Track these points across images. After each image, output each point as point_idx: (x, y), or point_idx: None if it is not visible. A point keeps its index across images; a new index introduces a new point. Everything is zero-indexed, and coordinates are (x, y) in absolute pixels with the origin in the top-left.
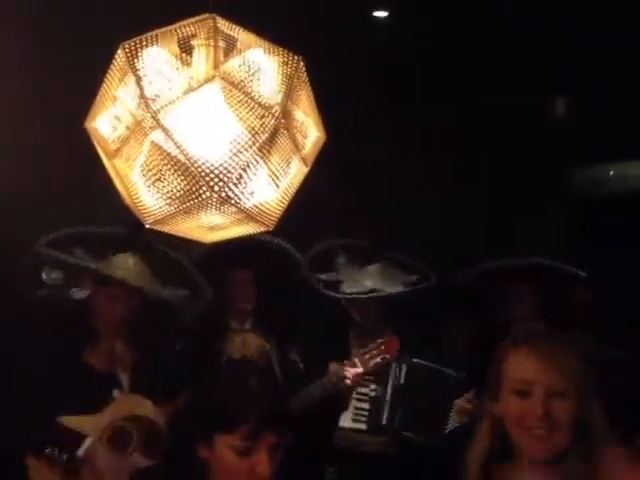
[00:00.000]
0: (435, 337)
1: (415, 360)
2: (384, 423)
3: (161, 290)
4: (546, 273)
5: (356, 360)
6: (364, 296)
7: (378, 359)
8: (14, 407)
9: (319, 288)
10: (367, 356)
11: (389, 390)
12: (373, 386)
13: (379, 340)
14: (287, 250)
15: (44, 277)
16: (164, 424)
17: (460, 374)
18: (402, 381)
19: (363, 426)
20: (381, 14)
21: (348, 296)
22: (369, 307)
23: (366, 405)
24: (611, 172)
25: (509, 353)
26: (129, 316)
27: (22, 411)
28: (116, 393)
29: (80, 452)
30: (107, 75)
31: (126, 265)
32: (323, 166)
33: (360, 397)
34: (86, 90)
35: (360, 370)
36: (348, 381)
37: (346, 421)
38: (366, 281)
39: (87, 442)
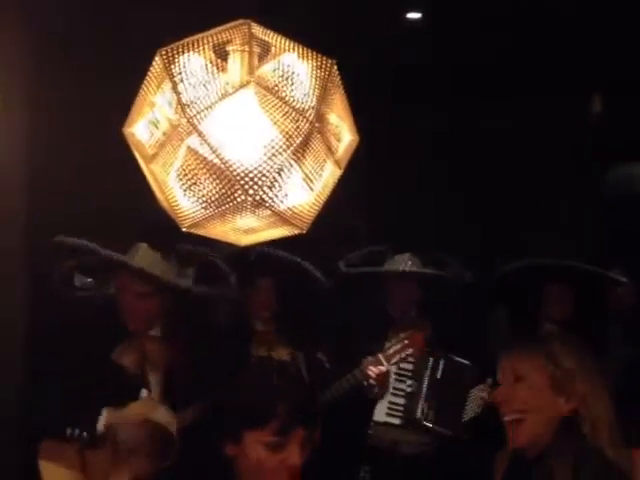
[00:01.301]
0: (474, 334)
1: (453, 357)
2: (418, 417)
3: (181, 281)
4: (582, 276)
5: (380, 356)
6: (406, 269)
7: (402, 354)
8: (45, 407)
9: (362, 269)
10: (391, 351)
11: (425, 384)
12: (409, 382)
13: (402, 335)
14: (309, 270)
15: (76, 282)
16: (175, 432)
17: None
18: (439, 376)
19: (397, 421)
20: (414, 16)
21: (394, 269)
22: (406, 292)
23: (401, 400)
24: None
25: None
26: (155, 312)
27: (52, 410)
28: (144, 394)
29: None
30: (145, 81)
31: (150, 258)
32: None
33: (396, 392)
34: (126, 96)
35: (384, 367)
36: (372, 381)
37: (380, 415)
38: (404, 263)
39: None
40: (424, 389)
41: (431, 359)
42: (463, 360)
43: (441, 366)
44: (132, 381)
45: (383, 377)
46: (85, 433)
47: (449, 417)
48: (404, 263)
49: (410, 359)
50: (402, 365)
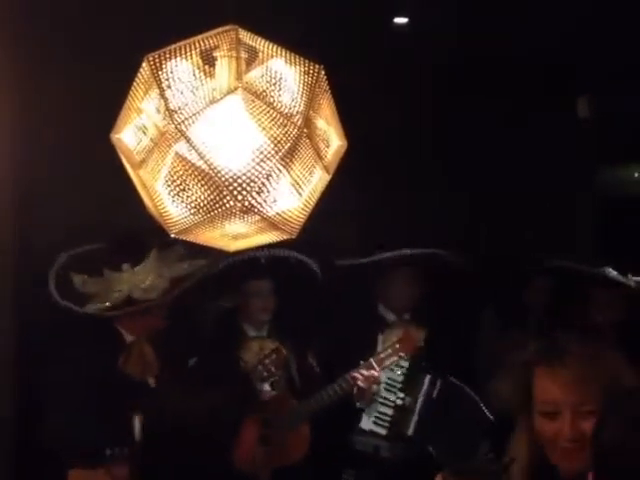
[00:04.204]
0: (471, 342)
1: (452, 379)
2: (410, 434)
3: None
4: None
5: (372, 360)
6: (391, 254)
7: (394, 358)
8: (61, 421)
9: (351, 262)
10: (383, 355)
11: (419, 402)
12: (401, 394)
13: (394, 339)
14: (305, 262)
15: (77, 287)
16: None
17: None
18: (434, 396)
19: (383, 431)
20: (401, 20)
21: (381, 257)
22: (404, 286)
23: (390, 411)
24: (636, 174)
25: (535, 372)
26: (161, 323)
27: (69, 424)
28: None
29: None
30: (132, 87)
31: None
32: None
33: (385, 402)
34: (111, 102)
35: (376, 372)
36: (360, 383)
37: (367, 424)
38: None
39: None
40: (418, 406)
41: (428, 377)
42: (458, 382)
43: (438, 386)
44: (138, 390)
45: (374, 382)
46: (126, 449)
47: (442, 438)
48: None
49: (399, 371)
50: (391, 375)
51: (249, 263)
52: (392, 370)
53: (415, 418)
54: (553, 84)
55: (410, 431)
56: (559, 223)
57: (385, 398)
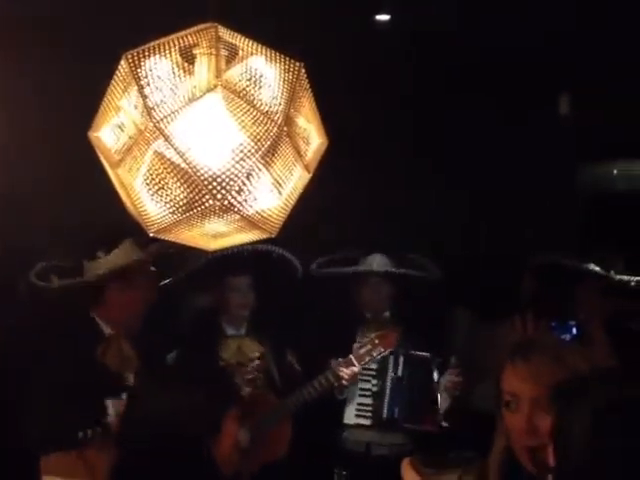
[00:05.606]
0: (442, 332)
1: (412, 352)
2: (385, 416)
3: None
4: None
5: (351, 357)
6: (375, 269)
7: (373, 354)
8: (34, 410)
9: (330, 270)
10: (362, 351)
11: (388, 383)
12: (374, 381)
13: (373, 335)
14: (286, 257)
15: (54, 282)
16: None
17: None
18: (400, 373)
19: (368, 421)
20: (383, 17)
21: (361, 270)
22: (377, 292)
23: (369, 400)
24: (615, 171)
25: (505, 364)
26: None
27: (42, 414)
28: (124, 397)
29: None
30: (110, 85)
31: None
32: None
33: (362, 393)
34: (90, 100)
35: (356, 368)
36: (344, 382)
37: (350, 418)
38: (374, 263)
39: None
40: (387, 388)
41: (391, 357)
42: (422, 353)
43: (401, 363)
44: (115, 382)
45: (354, 378)
46: (98, 429)
47: (419, 412)
48: (374, 264)
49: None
50: (364, 366)
51: (229, 259)
52: None
53: (387, 399)
54: (550, 83)
55: (384, 414)
56: (536, 221)
57: (362, 389)
